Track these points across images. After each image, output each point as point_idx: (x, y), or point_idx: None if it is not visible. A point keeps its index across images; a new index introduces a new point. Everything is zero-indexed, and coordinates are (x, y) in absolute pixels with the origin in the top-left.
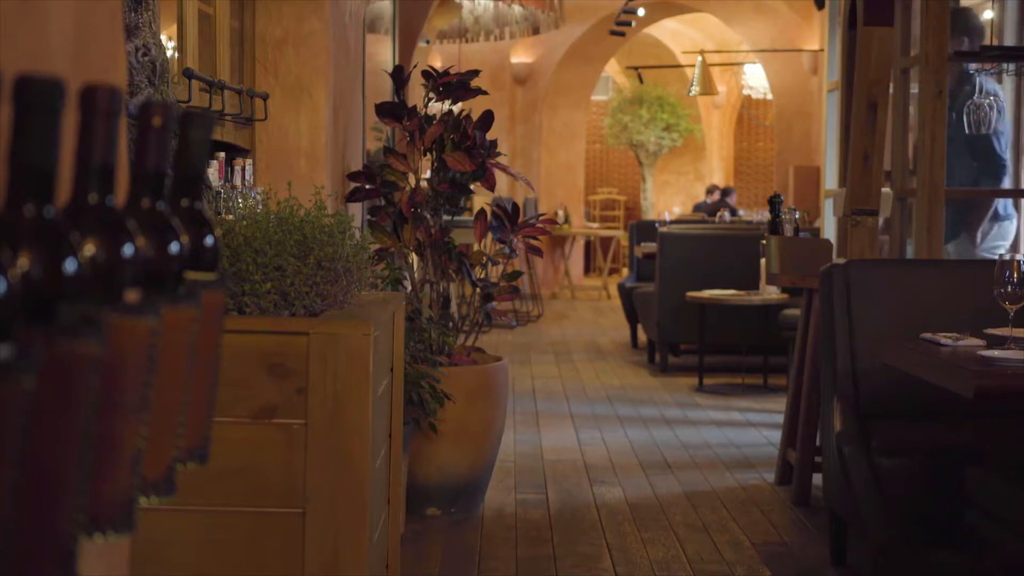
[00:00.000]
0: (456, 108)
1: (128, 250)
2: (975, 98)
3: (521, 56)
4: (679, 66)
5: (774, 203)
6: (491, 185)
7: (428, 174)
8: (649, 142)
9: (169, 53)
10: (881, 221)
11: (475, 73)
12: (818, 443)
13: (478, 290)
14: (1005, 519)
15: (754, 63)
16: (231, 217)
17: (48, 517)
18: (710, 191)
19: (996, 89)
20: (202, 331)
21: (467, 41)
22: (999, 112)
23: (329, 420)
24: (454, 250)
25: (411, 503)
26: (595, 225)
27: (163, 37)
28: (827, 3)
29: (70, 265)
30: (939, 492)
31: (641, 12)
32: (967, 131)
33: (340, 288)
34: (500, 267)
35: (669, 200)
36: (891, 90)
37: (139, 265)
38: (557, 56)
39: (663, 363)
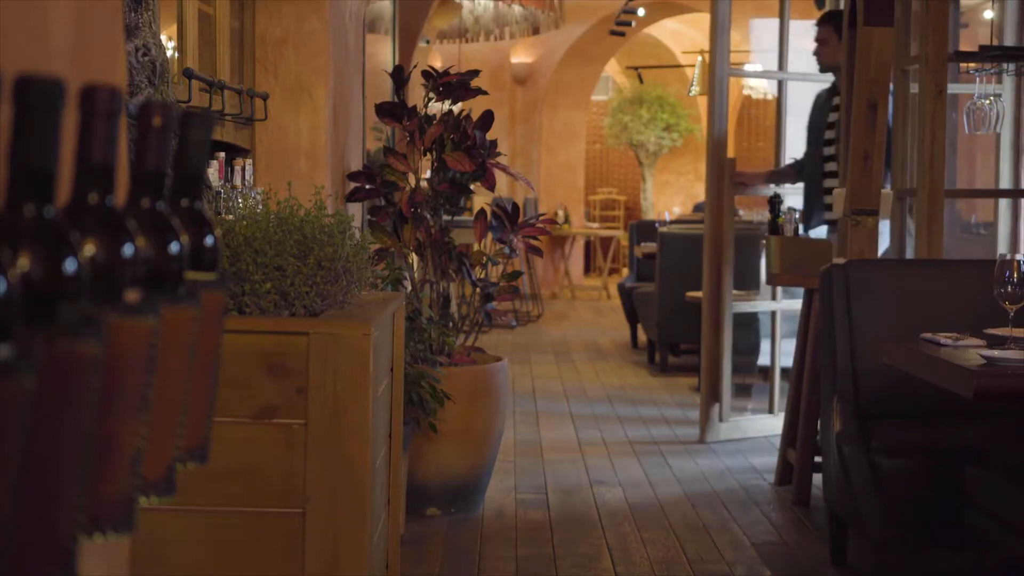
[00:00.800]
0: (456, 108)
1: (128, 250)
2: (975, 98)
3: (521, 56)
4: (679, 66)
5: (774, 203)
6: (491, 185)
7: (428, 174)
8: (649, 142)
9: (169, 53)
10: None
11: (475, 73)
12: (818, 443)
13: (478, 290)
14: (1005, 519)
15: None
16: (231, 217)
17: (48, 517)
18: None
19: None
20: (202, 331)
21: (467, 41)
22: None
23: (329, 420)
24: (454, 250)
25: (411, 503)
26: (595, 225)
27: (163, 37)
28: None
29: (70, 265)
30: (939, 492)
31: (641, 12)
32: (966, 131)
33: (340, 288)
34: (500, 267)
35: (669, 200)
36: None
37: (139, 265)
38: (557, 56)
39: (663, 363)
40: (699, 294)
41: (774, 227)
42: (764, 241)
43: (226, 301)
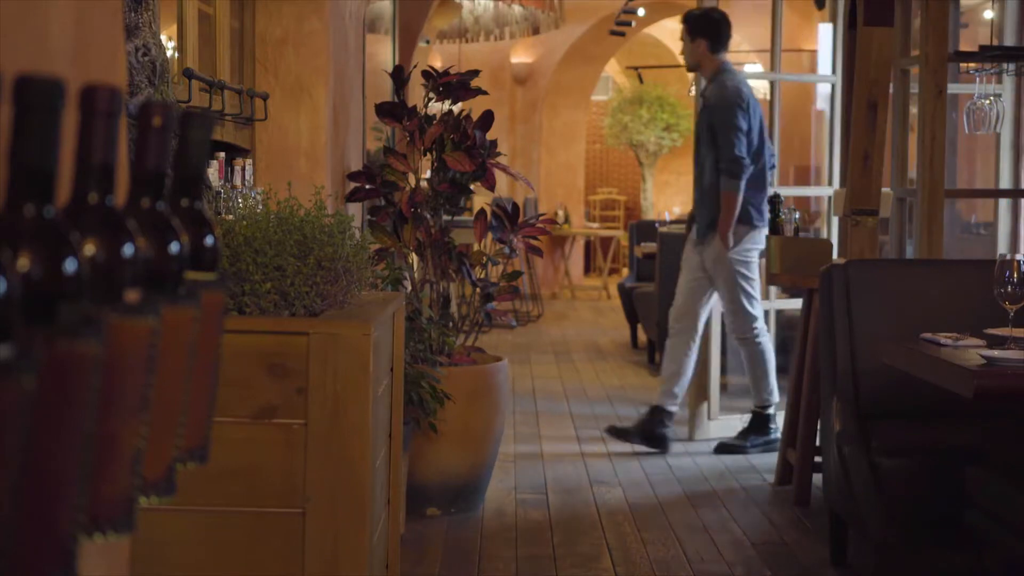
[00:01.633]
0: (456, 108)
1: (128, 250)
2: (975, 98)
3: (521, 56)
4: (679, 66)
5: (774, 203)
6: (491, 185)
7: (428, 174)
8: (649, 142)
9: (169, 53)
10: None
11: (475, 73)
12: (818, 443)
13: (478, 290)
14: (1005, 519)
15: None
16: (231, 217)
17: (48, 517)
18: None
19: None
20: (202, 331)
21: (467, 41)
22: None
23: (329, 420)
24: (454, 250)
25: (411, 503)
26: (595, 225)
27: (163, 37)
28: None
29: (70, 265)
30: (939, 492)
31: (641, 12)
32: (966, 131)
33: (340, 288)
34: (500, 267)
35: (669, 200)
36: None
37: (139, 265)
38: (557, 56)
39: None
40: None
41: (774, 227)
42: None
43: (226, 301)
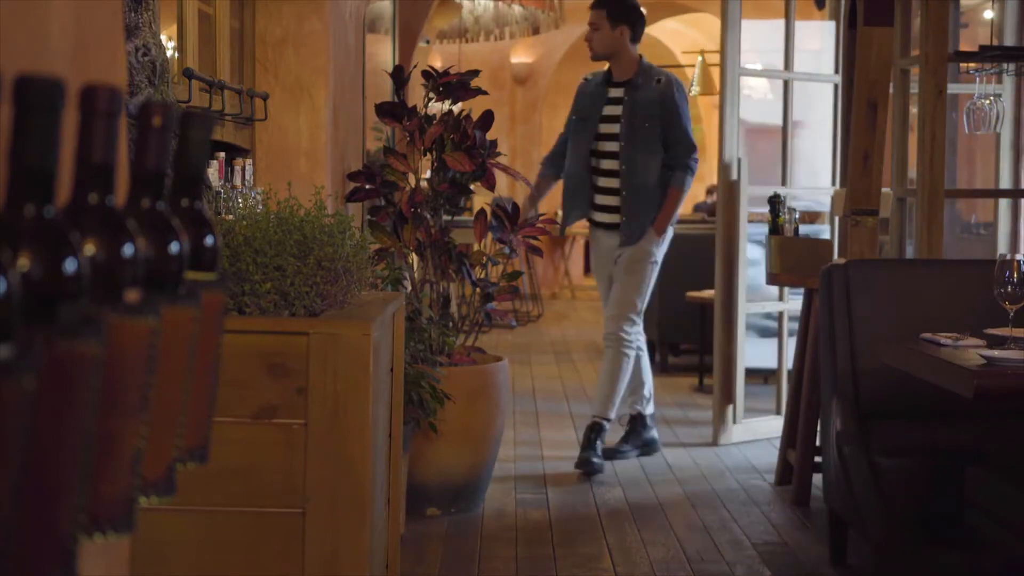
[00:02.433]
0: (456, 108)
1: (128, 250)
2: (975, 98)
3: (521, 56)
4: (679, 66)
5: (774, 203)
6: (491, 185)
7: (428, 174)
8: None
9: (169, 53)
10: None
11: (475, 73)
12: (818, 443)
13: (478, 290)
14: (1005, 519)
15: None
16: (231, 217)
17: (48, 517)
18: (710, 191)
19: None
20: (202, 331)
21: (467, 41)
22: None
23: (329, 420)
24: (454, 250)
25: (411, 503)
26: None
27: (163, 37)
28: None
29: (70, 265)
30: (939, 492)
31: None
32: (966, 131)
33: (340, 288)
34: (500, 267)
35: None
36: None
37: (139, 265)
38: (557, 56)
39: (663, 363)
40: (699, 294)
41: (774, 227)
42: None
43: (226, 301)
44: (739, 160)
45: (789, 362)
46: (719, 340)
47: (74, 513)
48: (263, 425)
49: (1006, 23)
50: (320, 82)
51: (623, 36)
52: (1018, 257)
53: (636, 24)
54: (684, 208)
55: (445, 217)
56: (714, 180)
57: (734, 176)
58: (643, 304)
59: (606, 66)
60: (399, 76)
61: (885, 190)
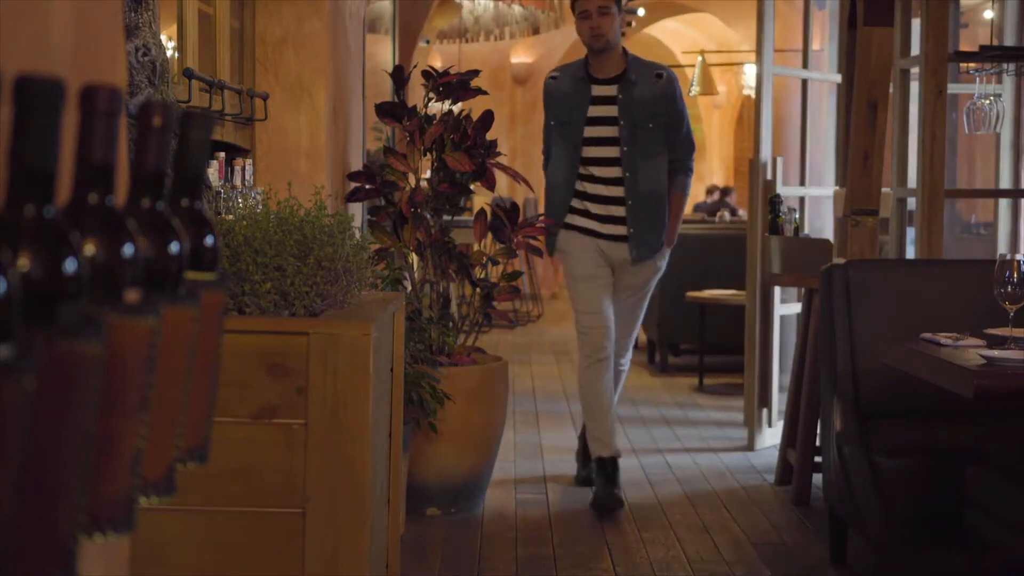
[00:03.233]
0: (456, 108)
1: (128, 250)
2: (975, 98)
3: (521, 56)
4: (679, 66)
5: (774, 203)
6: (491, 185)
7: (428, 174)
8: None
9: (169, 53)
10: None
11: (475, 73)
12: (818, 443)
13: (478, 290)
14: (1005, 519)
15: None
16: (231, 217)
17: (48, 517)
18: (710, 191)
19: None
20: (202, 331)
21: (467, 41)
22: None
23: (329, 420)
24: (454, 250)
25: (411, 503)
26: None
27: (163, 37)
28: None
29: (70, 265)
30: (939, 492)
31: (641, 12)
32: (966, 131)
33: (340, 288)
34: (500, 267)
35: None
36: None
37: (139, 265)
38: (557, 56)
39: (663, 363)
40: (699, 294)
41: (774, 227)
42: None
43: (226, 301)
44: (774, 160)
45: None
46: (751, 341)
47: (74, 513)
48: (263, 425)
49: (1006, 23)
50: (320, 82)
51: (621, 24)
52: (1018, 257)
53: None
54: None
55: (445, 217)
56: (714, 180)
57: (769, 176)
58: None
59: (632, 25)
60: (399, 76)
61: (885, 190)
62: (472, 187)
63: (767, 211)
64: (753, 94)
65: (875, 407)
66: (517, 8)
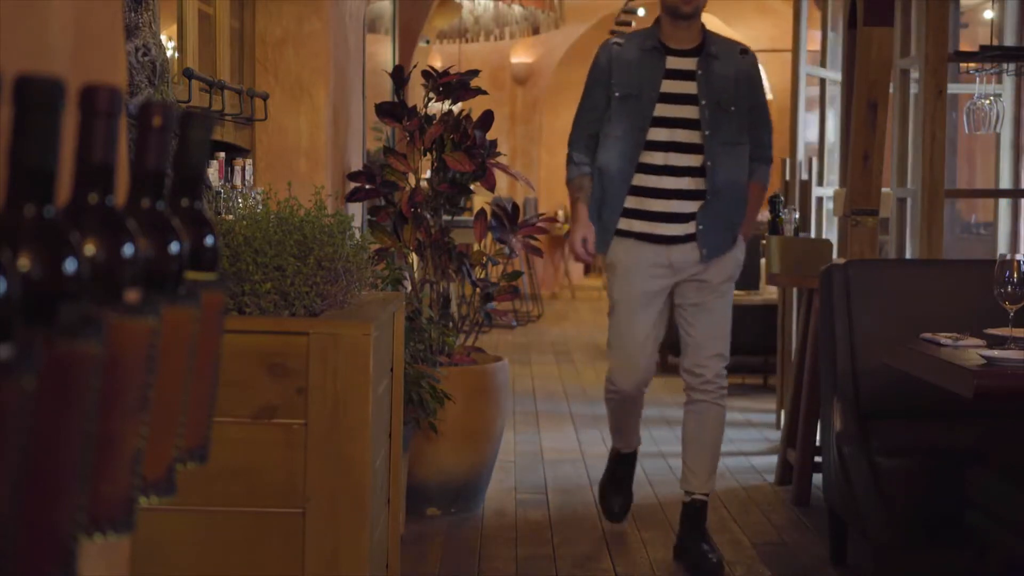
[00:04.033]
0: (456, 108)
1: (128, 250)
2: (975, 98)
3: (521, 56)
4: None
5: (774, 203)
6: (491, 185)
7: (428, 174)
8: None
9: (169, 53)
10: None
11: (475, 73)
12: (818, 443)
13: (478, 290)
14: (1005, 519)
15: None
16: (231, 217)
17: (48, 517)
18: None
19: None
20: (202, 331)
21: (467, 41)
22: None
23: (329, 420)
24: (454, 250)
25: (411, 503)
26: None
27: (163, 37)
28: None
29: (70, 265)
30: (939, 492)
31: (641, 12)
32: (966, 131)
33: (340, 288)
34: (500, 267)
35: None
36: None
37: (139, 265)
38: (557, 56)
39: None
40: None
41: (774, 227)
42: (764, 241)
43: (226, 301)
44: (811, 160)
45: None
46: (784, 342)
47: (74, 513)
48: (263, 425)
49: (1006, 23)
50: (320, 82)
51: None
52: (1018, 257)
53: None
54: None
55: (445, 217)
56: None
57: (805, 176)
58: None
59: (633, 25)
60: (399, 76)
61: (885, 190)
62: (472, 187)
63: (813, 211)
64: None
65: (875, 407)
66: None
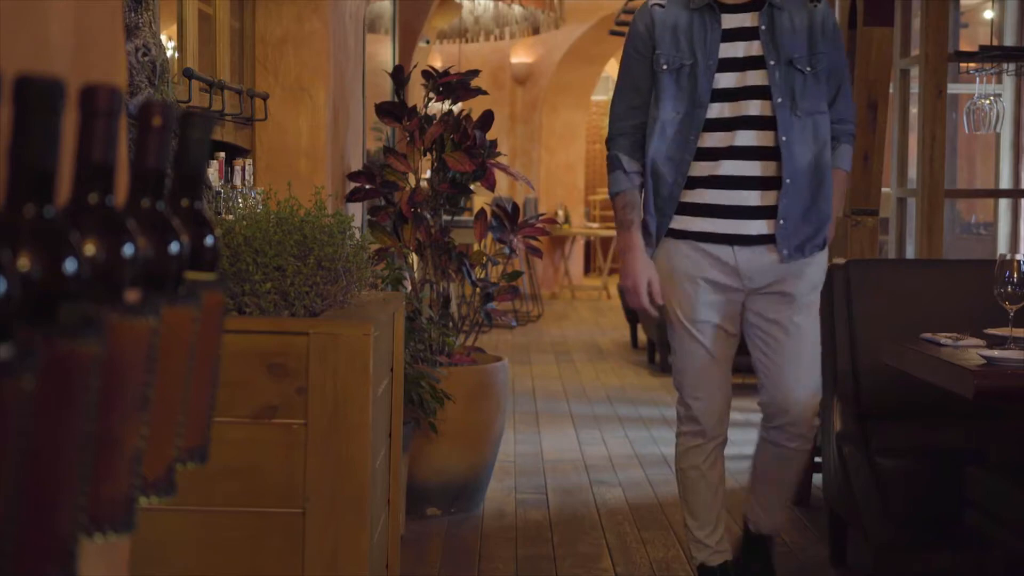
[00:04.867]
0: (456, 108)
1: (128, 250)
2: (975, 98)
3: (521, 56)
4: None
5: None
6: (491, 185)
7: (428, 174)
8: None
9: (169, 53)
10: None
11: (475, 73)
12: (818, 443)
13: (478, 290)
14: (1005, 519)
15: None
16: (231, 217)
17: (48, 517)
18: None
19: None
20: (202, 331)
21: (467, 41)
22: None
23: (329, 420)
24: (454, 250)
25: (411, 503)
26: (595, 225)
27: (163, 37)
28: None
29: (70, 265)
30: (939, 492)
31: None
32: (966, 131)
33: (340, 288)
34: (500, 267)
35: None
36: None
37: (139, 265)
38: (557, 56)
39: (663, 363)
40: None
41: None
42: None
43: (226, 301)
44: None
45: None
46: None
47: (74, 513)
48: (263, 425)
49: (1006, 23)
50: (320, 82)
51: None
52: (1018, 257)
53: None
54: None
55: (445, 217)
56: None
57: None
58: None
59: None
60: (399, 76)
61: (885, 190)
62: (472, 187)
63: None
64: None
65: (875, 407)
66: (517, 8)
